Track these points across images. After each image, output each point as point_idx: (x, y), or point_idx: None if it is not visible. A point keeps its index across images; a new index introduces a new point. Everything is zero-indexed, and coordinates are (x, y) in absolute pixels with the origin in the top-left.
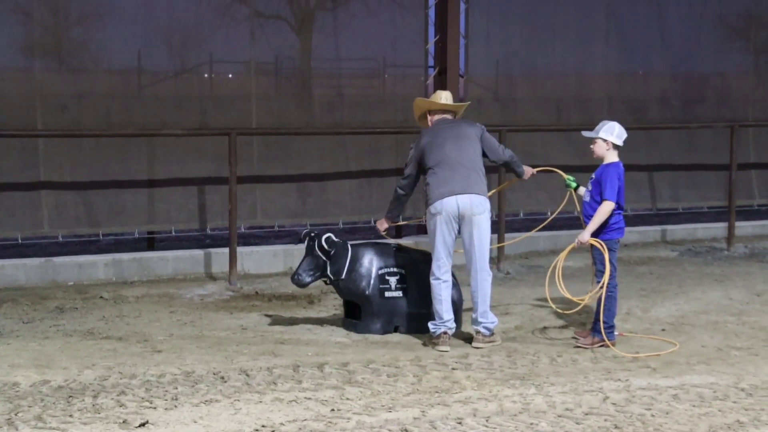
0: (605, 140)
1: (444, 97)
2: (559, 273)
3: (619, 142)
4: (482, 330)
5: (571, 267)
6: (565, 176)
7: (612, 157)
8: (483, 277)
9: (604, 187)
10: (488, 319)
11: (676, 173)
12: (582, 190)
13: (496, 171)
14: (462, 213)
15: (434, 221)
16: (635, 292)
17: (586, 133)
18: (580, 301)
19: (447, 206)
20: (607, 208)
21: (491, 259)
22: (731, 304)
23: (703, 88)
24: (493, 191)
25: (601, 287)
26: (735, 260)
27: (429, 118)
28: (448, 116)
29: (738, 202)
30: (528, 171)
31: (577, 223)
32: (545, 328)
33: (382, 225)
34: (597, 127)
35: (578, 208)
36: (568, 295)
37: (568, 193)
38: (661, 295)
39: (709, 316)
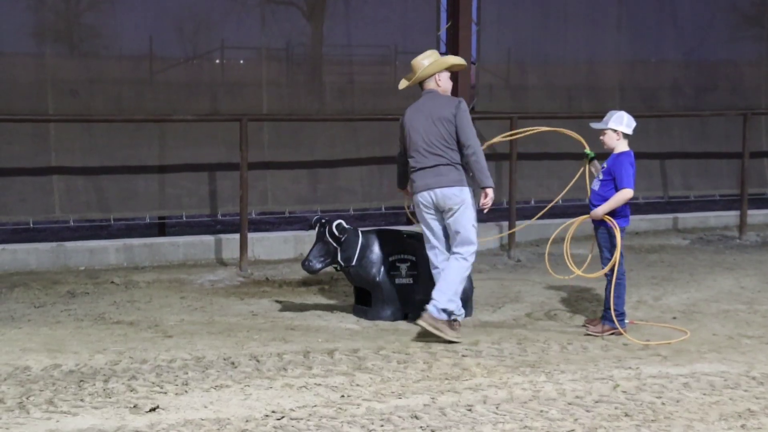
0: (615, 131)
1: (426, 62)
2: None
3: (629, 131)
4: (430, 307)
5: (581, 255)
6: (586, 145)
7: (622, 146)
8: (454, 258)
9: (620, 176)
10: (439, 298)
11: (688, 161)
12: (597, 165)
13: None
14: (437, 206)
15: (420, 211)
16: (646, 280)
17: (595, 125)
18: (585, 275)
19: (424, 200)
20: (626, 195)
21: (502, 246)
22: (743, 293)
23: (716, 76)
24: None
25: (612, 267)
26: (747, 249)
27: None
28: (432, 86)
29: (750, 190)
30: (490, 193)
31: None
32: (556, 315)
33: (405, 196)
34: (605, 118)
35: (588, 184)
36: (573, 268)
37: (582, 168)
38: (672, 284)
39: (721, 305)
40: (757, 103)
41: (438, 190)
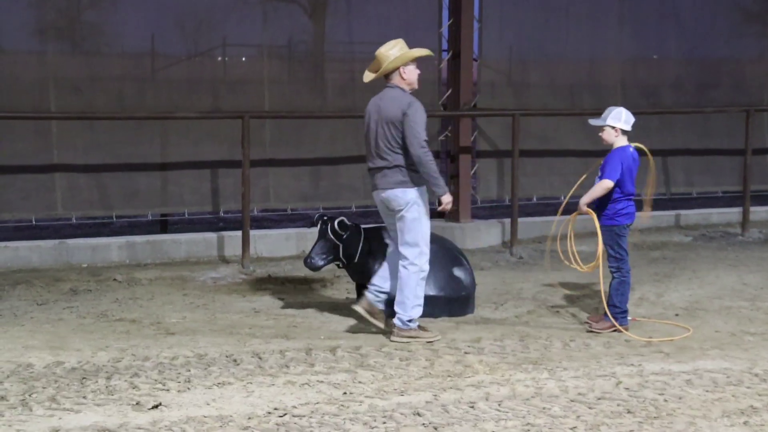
0: (613, 127)
1: (392, 54)
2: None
3: (628, 128)
4: (396, 321)
5: (585, 251)
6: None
7: (621, 142)
8: (403, 266)
9: (605, 168)
10: (403, 310)
11: (691, 158)
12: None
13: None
14: (385, 208)
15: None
16: (649, 277)
17: (593, 122)
18: (581, 268)
19: (376, 200)
20: (604, 184)
21: (504, 244)
22: (745, 289)
23: (718, 73)
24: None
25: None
26: (749, 245)
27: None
28: (396, 80)
29: (753, 186)
30: (448, 199)
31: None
32: (558, 312)
33: None
34: (604, 115)
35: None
36: (575, 263)
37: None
38: (674, 280)
39: (723, 301)
40: (760, 100)
41: (382, 192)
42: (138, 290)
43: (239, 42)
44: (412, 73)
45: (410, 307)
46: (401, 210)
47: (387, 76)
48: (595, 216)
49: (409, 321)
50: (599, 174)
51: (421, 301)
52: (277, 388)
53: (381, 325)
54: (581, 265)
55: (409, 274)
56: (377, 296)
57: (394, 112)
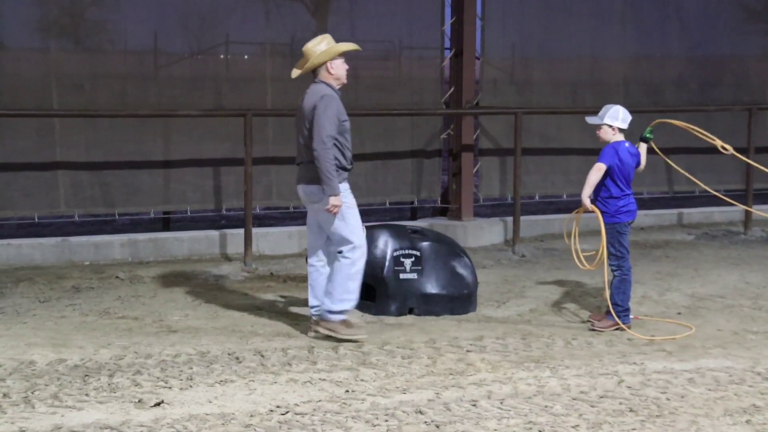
0: (610, 126)
1: (319, 49)
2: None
3: (624, 126)
4: (322, 313)
5: (588, 249)
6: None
7: (618, 139)
8: (337, 259)
9: (600, 157)
10: (330, 301)
11: (693, 156)
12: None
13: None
14: (304, 201)
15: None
16: (651, 275)
17: (590, 120)
18: (585, 266)
19: (299, 194)
20: (596, 168)
21: (507, 242)
22: (747, 288)
23: (721, 71)
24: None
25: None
26: (752, 244)
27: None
28: (323, 75)
29: (755, 185)
30: (338, 202)
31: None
32: (560, 310)
33: None
34: (601, 113)
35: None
36: (578, 259)
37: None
38: (677, 279)
39: (726, 300)
40: (762, 98)
41: (302, 186)
42: (140, 288)
43: (242, 40)
44: (339, 68)
45: (337, 299)
46: (316, 204)
47: (315, 71)
48: (599, 213)
49: (331, 312)
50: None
51: (351, 296)
52: (279, 385)
53: (340, 333)
54: (585, 263)
55: (341, 266)
56: (317, 313)
57: (309, 106)
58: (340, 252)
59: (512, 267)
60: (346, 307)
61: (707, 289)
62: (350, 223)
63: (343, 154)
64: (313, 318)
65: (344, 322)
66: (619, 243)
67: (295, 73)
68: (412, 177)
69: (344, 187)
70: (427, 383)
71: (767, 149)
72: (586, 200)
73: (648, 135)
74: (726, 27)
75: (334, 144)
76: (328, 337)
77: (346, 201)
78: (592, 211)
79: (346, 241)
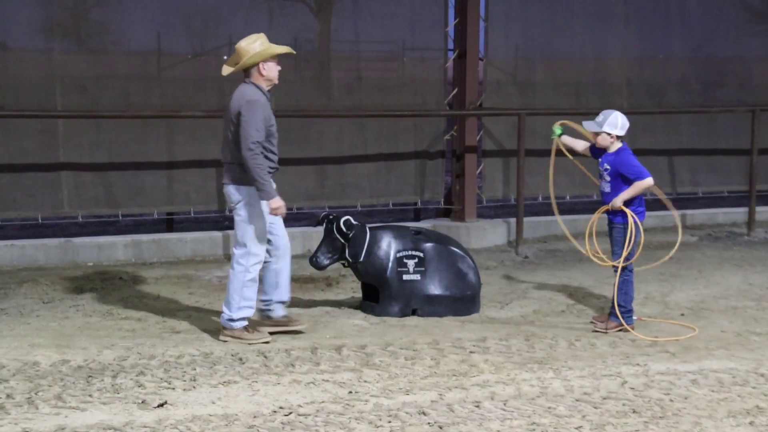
0: (609, 134)
1: (252, 48)
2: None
3: (623, 134)
4: (222, 321)
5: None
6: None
7: (617, 145)
8: (231, 266)
9: (630, 171)
10: (228, 309)
11: (696, 157)
12: (567, 139)
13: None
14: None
15: None
16: (654, 276)
17: (588, 126)
18: (606, 262)
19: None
20: (646, 183)
21: (510, 243)
22: (751, 289)
23: (724, 72)
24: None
25: (627, 258)
26: (755, 245)
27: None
28: (253, 75)
29: (759, 186)
30: (277, 204)
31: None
32: (563, 312)
33: None
34: (600, 119)
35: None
36: (596, 256)
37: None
38: (680, 280)
39: (729, 301)
40: (766, 100)
41: (225, 187)
42: (144, 289)
43: None
44: (272, 70)
45: (235, 307)
46: (234, 207)
47: (246, 70)
48: (629, 212)
49: (232, 321)
50: (607, 179)
51: (250, 303)
52: (282, 386)
53: (298, 327)
54: (606, 259)
55: (235, 274)
56: (268, 308)
57: (234, 108)
58: (234, 257)
59: (515, 268)
60: (246, 315)
61: (710, 290)
62: (253, 229)
63: (269, 159)
64: (264, 313)
65: (246, 329)
66: (629, 243)
67: (226, 70)
68: (415, 178)
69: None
70: (430, 384)
71: None
72: (619, 202)
73: (558, 133)
74: (729, 28)
75: (261, 151)
76: (246, 343)
77: (261, 206)
78: (623, 211)
79: (242, 246)
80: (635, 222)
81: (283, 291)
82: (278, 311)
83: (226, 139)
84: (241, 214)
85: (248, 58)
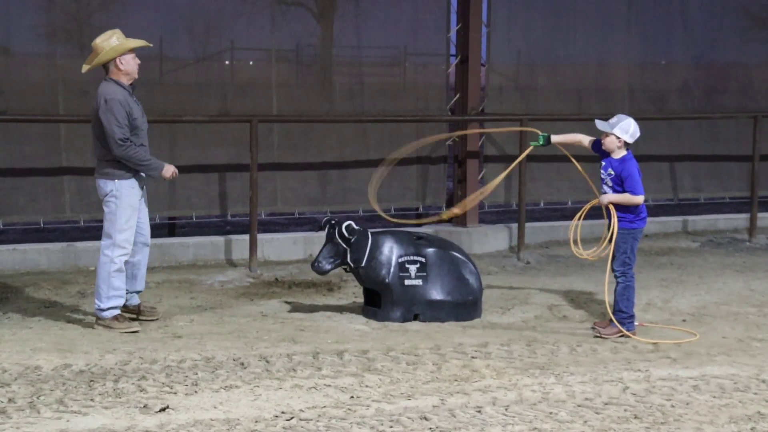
0: (618, 137)
1: (108, 44)
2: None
3: (631, 141)
4: (95, 310)
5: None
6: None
7: (623, 152)
8: (99, 256)
9: (631, 184)
10: (98, 300)
11: (698, 164)
12: (560, 137)
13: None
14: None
15: None
16: (656, 282)
17: (600, 125)
18: (585, 256)
19: None
20: (636, 200)
21: (512, 248)
22: (752, 295)
23: (726, 79)
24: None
25: (603, 248)
26: (757, 251)
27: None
28: (112, 71)
29: (760, 192)
30: (168, 170)
31: (599, 213)
32: (565, 317)
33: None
34: (613, 120)
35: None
36: (577, 250)
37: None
38: (681, 286)
39: (730, 307)
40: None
41: (95, 180)
42: (145, 293)
43: (247, 46)
44: (129, 63)
45: (104, 297)
46: (102, 199)
47: (105, 67)
48: (614, 211)
49: (101, 310)
50: (609, 183)
51: (119, 293)
52: (284, 391)
53: (153, 316)
54: (582, 251)
55: (101, 265)
56: (102, 312)
57: (94, 106)
58: (101, 246)
59: (517, 273)
60: (116, 304)
61: (712, 296)
62: (119, 220)
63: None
64: (126, 304)
65: (116, 318)
66: (631, 249)
67: (85, 68)
68: (417, 183)
69: (131, 184)
70: (431, 389)
71: None
72: (607, 199)
73: (541, 142)
74: (731, 34)
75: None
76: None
77: (127, 199)
78: (608, 208)
79: (108, 238)
80: (616, 218)
81: (138, 282)
82: (133, 300)
83: (94, 136)
84: (108, 208)
85: (104, 53)
